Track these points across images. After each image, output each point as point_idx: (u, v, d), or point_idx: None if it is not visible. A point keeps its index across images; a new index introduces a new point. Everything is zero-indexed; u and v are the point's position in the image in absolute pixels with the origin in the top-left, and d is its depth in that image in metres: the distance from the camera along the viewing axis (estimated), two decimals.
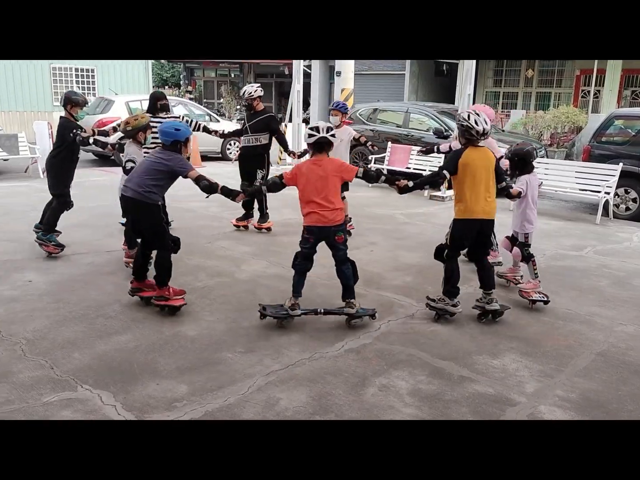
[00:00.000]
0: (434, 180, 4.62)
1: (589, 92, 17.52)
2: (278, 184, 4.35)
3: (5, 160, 11.08)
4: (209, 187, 4.31)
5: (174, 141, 4.29)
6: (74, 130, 5.61)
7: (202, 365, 3.62)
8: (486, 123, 4.21)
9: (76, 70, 18.48)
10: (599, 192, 8.51)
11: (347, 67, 13.21)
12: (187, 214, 7.87)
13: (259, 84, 7.26)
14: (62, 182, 5.81)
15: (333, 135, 4.14)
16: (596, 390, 3.46)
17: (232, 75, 31.16)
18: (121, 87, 18.54)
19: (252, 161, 6.93)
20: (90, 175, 11.17)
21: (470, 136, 4.24)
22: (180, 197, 8.18)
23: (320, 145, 4.14)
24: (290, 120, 13.22)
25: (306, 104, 20.84)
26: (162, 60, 33.25)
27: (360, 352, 3.85)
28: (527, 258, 4.99)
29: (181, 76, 32.87)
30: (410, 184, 4.40)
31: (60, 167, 5.80)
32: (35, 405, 3.12)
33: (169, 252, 4.44)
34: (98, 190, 9.48)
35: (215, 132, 7.33)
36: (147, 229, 4.44)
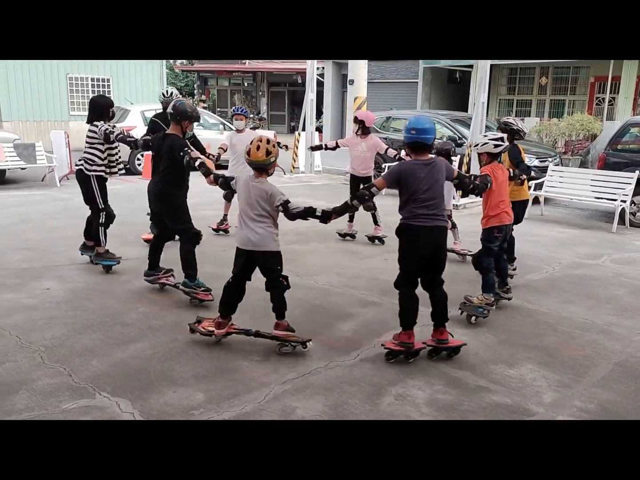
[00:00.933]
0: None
1: (603, 99, 17.41)
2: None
3: (22, 169, 11.23)
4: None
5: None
6: (185, 149, 4.65)
7: (218, 373, 3.63)
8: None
9: (92, 80, 18.73)
10: (615, 200, 8.44)
11: (360, 76, 13.27)
12: (200, 222, 7.90)
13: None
14: (183, 214, 4.94)
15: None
16: (614, 401, 3.43)
17: (246, 84, 31.38)
18: (136, 96, 18.74)
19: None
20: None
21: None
22: (193, 204, 8.24)
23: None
24: (303, 129, 13.29)
25: (319, 113, 20.93)
26: (177, 70, 33.58)
27: (375, 362, 3.84)
28: None
29: (195, 85, 33.17)
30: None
31: (175, 195, 4.89)
32: (55, 412, 3.15)
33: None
34: (113, 198, 9.56)
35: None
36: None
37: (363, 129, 7.00)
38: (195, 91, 32.95)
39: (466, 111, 15.77)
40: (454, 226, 6.44)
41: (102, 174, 5.77)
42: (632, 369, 3.84)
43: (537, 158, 10.43)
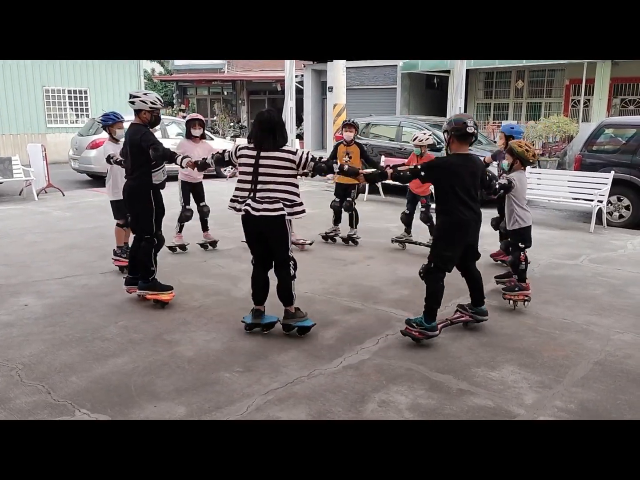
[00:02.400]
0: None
1: (578, 101, 17.68)
2: None
3: None
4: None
5: None
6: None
7: (199, 385, 3.60)
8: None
9: (69, 92, 18.56)
10: (592, 200, 8.57)
11: (339, 82, 13.35)
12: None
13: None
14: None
15: None
16: (595, 400, 3.46)
17: (225, 93, 31.33)
18: (114, 107, 18.54)
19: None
20: (85, 196, 11.20)
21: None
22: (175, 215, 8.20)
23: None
24: None
25: (299, 120, 20.98)
26: (155, 80, 33.44)
27: (358, 368, 3.84)
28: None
29: (174, 95, 33.03)
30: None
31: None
32: None
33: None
34: (92, 211, 9.49)
35: None
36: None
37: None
38: (175, 101, 32.79)
39: (445, 116, 15.90)
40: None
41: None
42: (611, 368, 3.88)
43: None
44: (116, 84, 19.45)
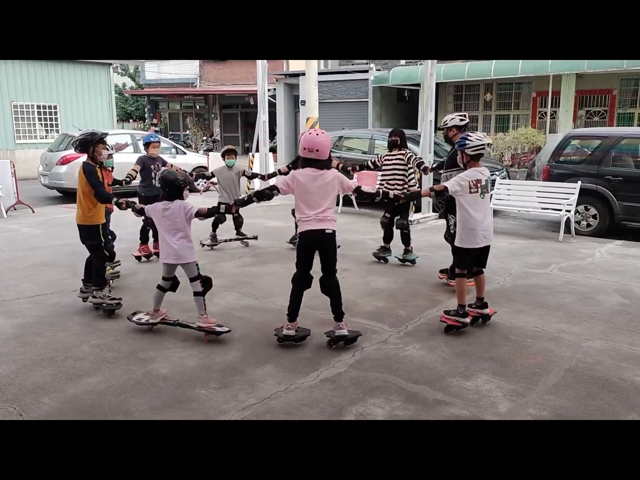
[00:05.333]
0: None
1: (545, 113, 18.13)
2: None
3: None
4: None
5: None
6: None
7: (175, 404, 3.56)
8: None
9: (38, 107, 18.32)
10: (560, 210, 8.77)
11: (311, 96, 13.41)
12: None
13: (463, 114, 6.28)
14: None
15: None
16: (567, 407, 3.53)
17: (197, 107, 31.29)
18: (85, 122, 18.41)
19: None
20: (55, 213, 11.02)
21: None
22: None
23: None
24: (257, 150, 13.34)
25: (272, 133, 21.03)
26: (126, 94, 33.19)
27: (335, 381, 3.85)
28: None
29: (145, 109, 32.85)
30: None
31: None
32: None
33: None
34: (63, 227, 9.35)
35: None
36: None
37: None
38: (146, 115, 32.61)
39: (416, 129, 16.14)
40: None
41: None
42: (582, 374, 3.97)
43: None
44: (87, 98, 19.28)
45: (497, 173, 10.98)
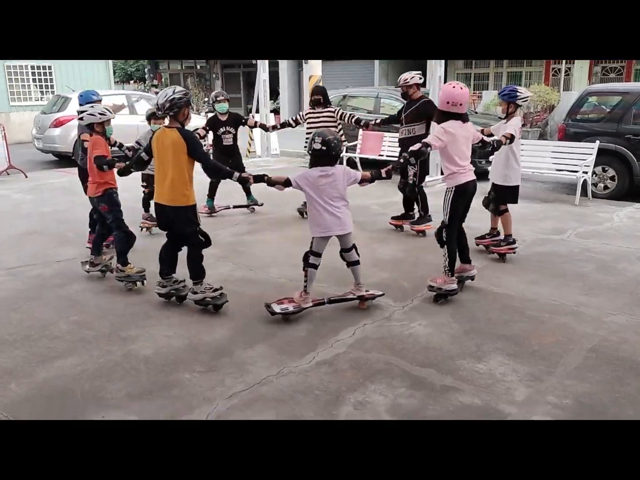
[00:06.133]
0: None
1: (559, 70, 17.34)
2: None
3: None
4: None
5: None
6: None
7: (155, 390, 3.22)
8: None
9: (32, 67, 17.69)
10: (576, 171, 8.27)
11: None
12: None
13: (418, 72, 6.26)
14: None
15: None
16: (591, 392, 3.16)
17: (199, 67, 30.42)
18: (81, 84, 17.78)
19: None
20: (49, 177, 10.62)
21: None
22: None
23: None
24: (257, 111, 12.76)
25: (275, 94, 20.34)
26: None
27: (333, 364, 3.49)
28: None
29: (146, 70, 32.00)
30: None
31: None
32: None
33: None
34: (56, 193, 8.97)
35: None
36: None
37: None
38: (147, 76, 31.80)
39: (424, 86, 15.45)
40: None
41: None
42: (606, 355, 3.58)
43: None
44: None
45: None
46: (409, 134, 6.16)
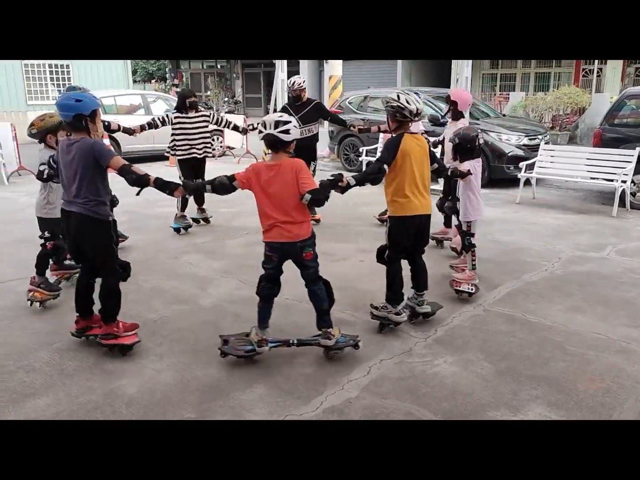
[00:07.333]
0: (376, 177, 3.83)
1: (590, 70, 16.58)
2: (227, 186, 3.49)
3: None
4: (137, 180, 3.40)
5: (76, 115, 3.35)
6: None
7: None
8: (418, 102, 3.86)
9: (50, 66, 17.50)
10: (614, 180, 7.65)
11: None
12: (152, 222, 7.01)
13: (304, 79, 6.94)
14: None
15: (286, 132, 3.30)
16: None
17: (219, 67, 30.14)
18: (99, 83, 17.56)
19: (303, 154, 5.76)
20: None
21: (403, 118, 3.81)
22: (149, 201, 7.35)
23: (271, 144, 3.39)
24: (275, 111, 12.33)
25: None
26: None
27: (343, 412, 2.99)
28: (468, 247, 4.64)
29: (167, 69, 31.85)
30: (352, 181, 3.69)
31: None
32: None
33: (117, 279, 3.62)
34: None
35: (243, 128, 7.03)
36: (94, 251, 3.57)
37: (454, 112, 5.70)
38: (167, 75, 31.65)
39: (449, 87, 14.85)
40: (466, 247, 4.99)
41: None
42: None
43: (526, 136, 9.59)
44: None
45: (539, 137, 9.79)
46: (308, 134, 6.66)
